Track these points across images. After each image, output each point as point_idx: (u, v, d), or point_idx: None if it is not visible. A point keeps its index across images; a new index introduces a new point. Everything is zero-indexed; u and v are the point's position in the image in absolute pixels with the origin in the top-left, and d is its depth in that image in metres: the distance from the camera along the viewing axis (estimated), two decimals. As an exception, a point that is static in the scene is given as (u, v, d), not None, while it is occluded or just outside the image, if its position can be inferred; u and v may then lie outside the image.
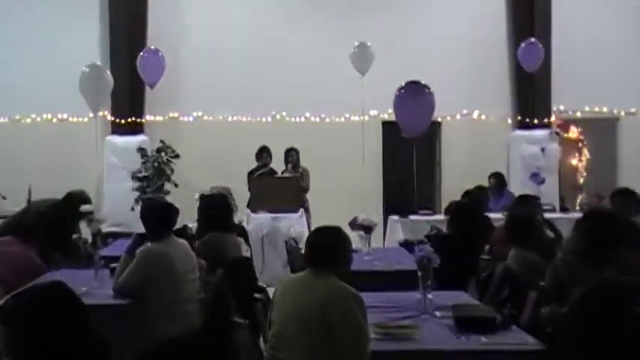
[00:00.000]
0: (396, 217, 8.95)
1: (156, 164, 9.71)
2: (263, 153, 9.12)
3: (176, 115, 10.80)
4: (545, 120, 10.69)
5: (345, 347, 3.16)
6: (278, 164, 9.23)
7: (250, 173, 9.02)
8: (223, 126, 10.69)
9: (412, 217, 8.83)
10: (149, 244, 4.39)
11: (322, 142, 10.51)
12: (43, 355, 2.19)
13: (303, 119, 10.81)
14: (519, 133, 10.76)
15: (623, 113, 10.96)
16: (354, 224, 6.18)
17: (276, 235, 8.26)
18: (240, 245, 5.50)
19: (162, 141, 9.84)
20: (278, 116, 10.78)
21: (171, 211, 4.47)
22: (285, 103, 10.62)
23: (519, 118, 10.84)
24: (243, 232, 6.34)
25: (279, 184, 8.74)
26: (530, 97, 10.70)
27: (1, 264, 4.69)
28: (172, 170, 9.78)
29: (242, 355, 3.51)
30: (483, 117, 10.86)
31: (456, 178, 10.35)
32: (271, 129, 10.53)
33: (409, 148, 8.87)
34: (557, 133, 10.76)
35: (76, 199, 6.01)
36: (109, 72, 9.20)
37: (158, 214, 4.40)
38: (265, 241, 8.31)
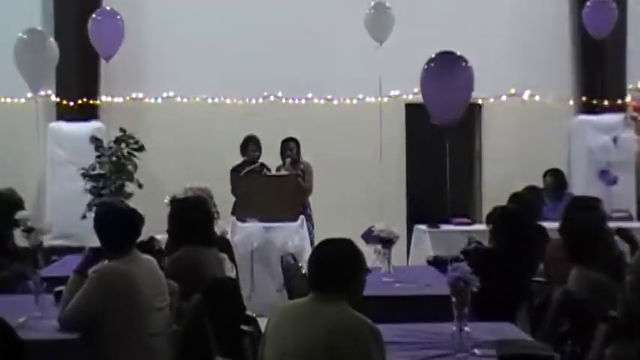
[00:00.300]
0: (423, 227, 8.95)
1: (114, 159, 9.72)
2: (249, 144, 9.12)
3: (140, 95, 10.82)
4: (619, 101, 10.67)
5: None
6: (272, 159, 9.23)
7: (235, 171, 9.03)
8: (201, 110, 10.71)
9: (444, 226, 8.83)
10: (105, 261, 4.40)
11: (328, 130, 10.52)
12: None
13: (303, 101, 10.82)
14: (584, 118, 10.74)
15: None
16: (369, 236, 6.19)
17: (270, 250, 8.26)
18: (223, 263, 5.50)
19: (122, 129, 9.85)
20: (272, 97, 10.79)
21: (135, 220, 4.47)
22: (280, 80, 10.62)
23: (584, 99, 10.82)
24: (226, 246, 6.35)
25: (273, 184, 8.75)
26: (599, 71, 10.69)
27: None
28: (135, 166, 9.80)
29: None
30: (537, 98, 10.85)
31: (502, 176, 10.35)
32: (263, 114, 10.54)
33: (440, 139, 8.86)
34: (634, 118, 10.74)
35: (9, 202, 6.04)
36: (52, 40, 9.21)
37: (117, 223, 4.40)
38: (255, 257, 8.31)
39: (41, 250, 5.60)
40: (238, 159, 9.15)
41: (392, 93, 10.63)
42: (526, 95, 10.84)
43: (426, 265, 7.66)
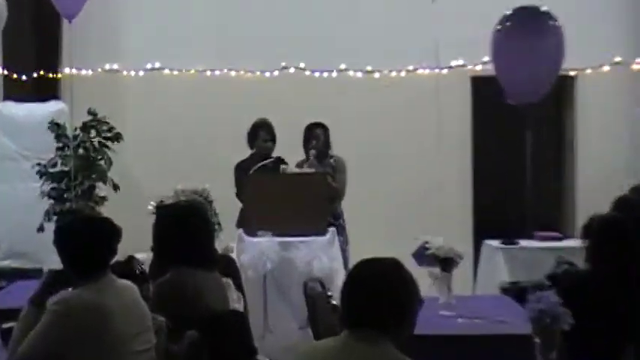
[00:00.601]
0: (495, 243, 8.94)
1: (81, 151, 9.76)
2: (260, 132, 9.10)
3: (115, 67, 10.87)
4: None
5: None
6: (291, 151, 9.22)
7: (241, 168, 9.02)
8: (197, 86, 10.74)
9: (524, 242, 8.82)
10: (69, 289, 4.42)
11: (368, 112, 10.51)
12: None
13: (335, 74, 10.81)
14: None
15: None
16: (422, 255, 6.17)
17: (289, 274, 8.25)
18: (227, 290, 5.51)
19: (91, 111, 9.89)
20: (292, 69, 10.80)
21: (108, 233, 4.49)
22: (304, 46, 10.64)
23: None
24: (231, 269, 6.36)
25: (293, 185, 8.73)
26: None
27: None
28: (110, 162, 9.83)
29: None
30: (651, 68, 10.80)
31: (602, 174, 10.29)
32: (280, 91, 10.55)
33: (519, 123, 8.83)
34: None
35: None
36: (0, -6, 9.28)
37: (85, 238, 4.42)
38: (270, 283, 8.31)
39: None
40: (245, 152, 9.15)
41: (453, 63, 10.60)
42: (637, 65, 10.76)
43: (500, 294, 7.64)
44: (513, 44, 7.94)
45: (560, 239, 9.00)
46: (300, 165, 9.12)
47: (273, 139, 9.12)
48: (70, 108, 10.23)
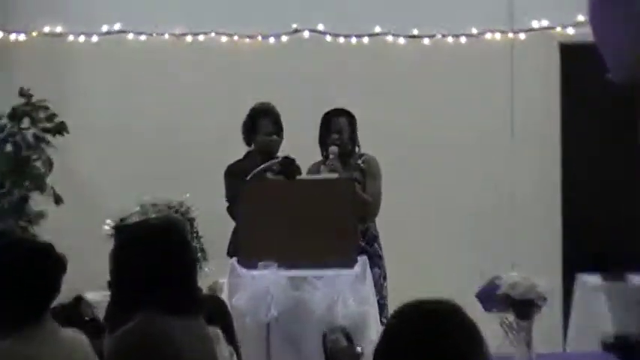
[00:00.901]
0: (594, 279, 8.95)
1: (10, 148, 9.79)
2: (260, 121, 9.12)
3: (60, 30, 10.90)
4: None
5: None
6: (303, 149, 9.23)
7: (234, 172, 9.03)
8: (173, 57, 10.80)
9: (635, 278, 8.79)
10: (-6, 340, 4.43)
11: (414, 93, 10.53)
12: None
13: (365, 40, 10.84)
14: None
15: None
16: (489, 296, 6.18)
17: (302, 322, 8.27)
18: (215, 344, 5.53)
19: (24, 91, 9.93)
20: (307, 33, 10.84)
21: (47, 265, 4.50)
22: (322, 3, 10.68)
23: None
24: (220, 314, 6.37)
25: (307, 197, 8.75)
26: None
27: None
28: (50, 163, 9.86)
29: None
30: None
31: None
32: (290, 63, 10.58)
33: (626, 109, 8.81)
34: None
35: None
36: None
37: (15, 271, 4.43)
38: (275, 334, 8.33)
39: None
40: (241, 149, 9.17)
41: (534, 24, 10.62)
42: None
43: (601, 350, 7.65)
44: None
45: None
46: (314, 168, 9.13)
47: (279, 132, 9.14)
48: (-7, 87, 10.32)
